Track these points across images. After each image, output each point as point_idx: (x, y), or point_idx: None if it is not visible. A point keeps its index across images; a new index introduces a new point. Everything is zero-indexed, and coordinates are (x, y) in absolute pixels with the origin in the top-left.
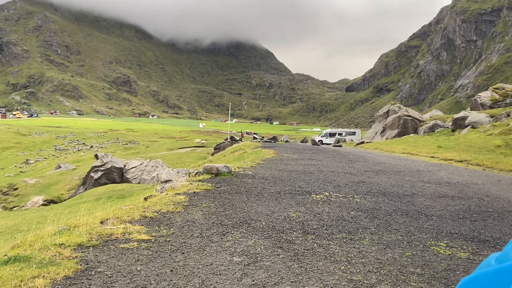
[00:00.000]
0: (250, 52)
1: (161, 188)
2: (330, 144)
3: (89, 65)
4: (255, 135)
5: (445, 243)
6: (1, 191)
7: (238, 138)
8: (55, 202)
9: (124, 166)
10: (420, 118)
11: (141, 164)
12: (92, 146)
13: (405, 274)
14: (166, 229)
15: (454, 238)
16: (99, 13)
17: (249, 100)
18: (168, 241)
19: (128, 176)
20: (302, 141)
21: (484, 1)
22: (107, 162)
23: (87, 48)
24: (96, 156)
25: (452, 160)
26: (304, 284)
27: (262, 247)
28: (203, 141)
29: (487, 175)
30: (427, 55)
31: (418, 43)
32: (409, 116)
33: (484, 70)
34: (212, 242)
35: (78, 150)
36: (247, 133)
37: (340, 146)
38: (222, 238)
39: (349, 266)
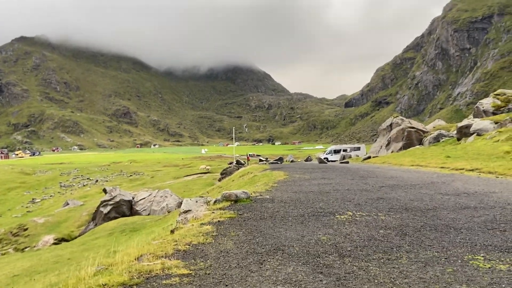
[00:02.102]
0: (247, 75)
1: (182, 219)
2: (335, 161)
3: (89, 99)
4: (260, 158)
5: (482, 256)
6: (11, 232)
7: (243, 162)
8: (66, 240)
9: (133, 198)
10: (424, 129)
11: (149, 195)
12: (97, 180)
13: None
14: (202, 261)
15: (490, 251)
16: (97, 48)
17: (249, 122)
18: (209, 274)
19: (137, 208)
20: (306, 160)
21: (475, 10)
22: (115, 196)
23: (85, 83)
24: (105, 191)
25: (463, 169)
26: None
27: (303, 274)
28: (208, 167)
29: (502, 183)
30: (422, 66)
31: (412, 55)
32: (413, 127)
33: (481, 77)
34: (252, 272)
35: (84, 185)
36: (250, 155)
37: (347, 162)
38: (260, 267)
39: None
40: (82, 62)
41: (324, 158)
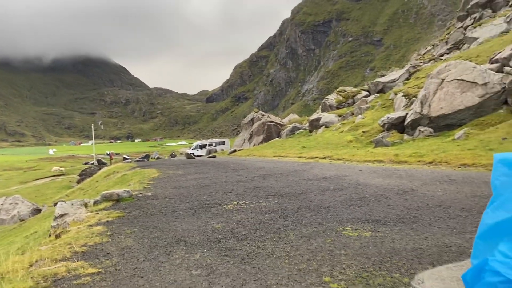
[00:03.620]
0: (101, 68)
1: (60, 224)
2: (202, 156)
3: None
4: (124, 156)
5: (350, 227)
6: None
7: (105, 161)
8: None
9: None
10: (281, 123)
11: None
12: None
13: (335, 256)
14: (108, 259)
15: (354, 222)
16: None
17: (105, 119)
18: (119, 270)
19: None
20: (171, 156)
21: (317, 14)
22: None
23: None
24: None
25: (317, 157)
26: (266, 279)
27: (211, 258)
28: (62, 168)
29: (350, 167)
30: (275, 64)
31: (267, 53)
32: (272, 121)
33: (324, 75)
34: (162, 262)
35: None
36: (109, 153)
37: (214, 156)
38: (169, 258)
39: (291, 259)
40: None
41: (191, 153)
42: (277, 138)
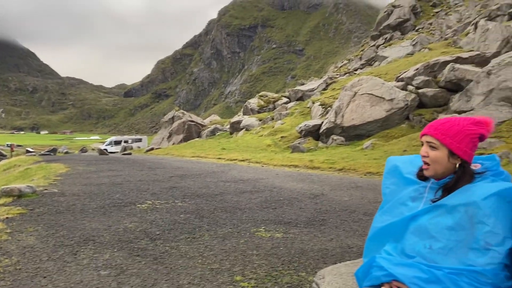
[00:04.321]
0: (6, 51)
1: None
2: (116, 152)
3: None
4: (28, 149)
5: (263, 228)
6: None
7: (5, 153)
8: None
9: None
10: (202, 123)
11: None
12: None
13: (248, 256)
14: (7, 258)
15: (268, 224)
16: None
17: (7, 107)
18: (20, 269)
19: None
20: (82, 151)
21: (243, 18)
22: None
23: None
24: None
25: (236, 160)
26: (178, 279)
27: (121, 258)
28: None
29: (267, 170)
30: (200, 64)
31: (191, 52)
32: (193, 121)
33: (247, 79)
34: (68, 262)
35: None
36: (7, 145)
37: (130, 154)
38: (75, 258)
39: (204, 259)
40: None
41: (104, 149)
42: (197, 138)
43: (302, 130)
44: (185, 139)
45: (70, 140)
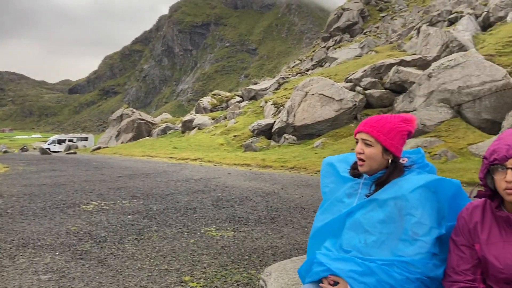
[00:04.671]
0: None
1: None
2: (59, 151)
3: None
4: None
5: (214, 227)
6: None
7: None
8: None
9: None
10: (153, 121)
11: None
12: None
13: (197, 256)
14: None
15: (219, 223)
16: None
17: None
18: None
19: None
20: (22, 150)
21: (196, 15)
22: None
23: None
24: None
25: (188, 159)
26: (124, 282)
27: (63, 261)
28: None
29: (219, 170)
30: (150, 60)
31: (141, 48)
32: (143, 119)
33: (200, 77)
34: (5, 267)
35: None
36: None
37: (75, 153)
38: (14, 262)
39: (152, 260)
40: None
41: (46, 148)
42: (147, 137)
43: (254, 129)
44: (135, 138)
45: (9, 138)
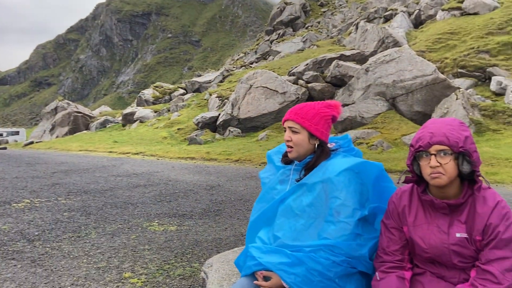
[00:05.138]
0: None
1: None
2: None
3: None
4: None
5: (157, 222)
6: None
7: None
8: None
9: None
10: (91, 114)
11: None
12: None
13: (138, 252)
14: None
15: (162, 218)
16: None
17: None
18: None
19: None
20: None
21: (136, 4)
22: None
23: None
24: None
25: (129, 153)
26: (59, 281)
27: None
28: None
29: (162, 163)
30: (87, 50)
31: (77, 37)
32: (79, 112)
33: (141, 68)
34: None
35: None
36: None
37: (5, 148)
38: None
39: (90, 258)
40: None
41: None
42: (85, 131)
43: (199, 122)
44: (71, 132)
45: None
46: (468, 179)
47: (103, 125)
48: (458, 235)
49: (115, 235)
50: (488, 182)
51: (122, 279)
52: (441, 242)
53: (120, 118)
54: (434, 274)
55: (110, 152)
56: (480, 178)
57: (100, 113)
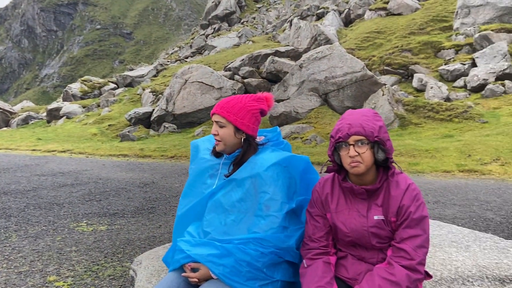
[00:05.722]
0: None
1: None
2: None
3: None
4: None
5: (85, 222)
6: None
7: None
8: None
9: None
10: (12, 110)
11: None
12: None
13: (65, 254)
14: None
15: (90, 217)
16: None
17: None
18: None
19: None
20: None
21: None
22: None
23: None
24: None
25: (55, 151)
26: None
27: None
28: None
29: (92, 161)
30: (7, 41)
31: None
32: None
33: (67, 61)
34: None
35: None
36: None
37: None
38: None
39: (10, 263)
40: None
41: None
42: (5, 128)
43: (132, 118)
44: None
45: None
46: (383, 166)
47: (26, 121)
48: (375, 217)
49: (38, 238)
50: (400, 168)
51: (47, 283)
52: (361, 225)
53: (45, 114)
54: (355, 256)
55: (34, 150)
56: (393, 164)
57: (22, 108)
